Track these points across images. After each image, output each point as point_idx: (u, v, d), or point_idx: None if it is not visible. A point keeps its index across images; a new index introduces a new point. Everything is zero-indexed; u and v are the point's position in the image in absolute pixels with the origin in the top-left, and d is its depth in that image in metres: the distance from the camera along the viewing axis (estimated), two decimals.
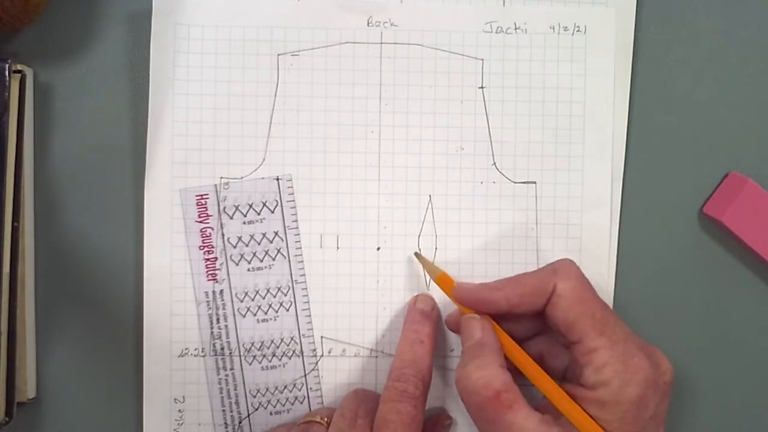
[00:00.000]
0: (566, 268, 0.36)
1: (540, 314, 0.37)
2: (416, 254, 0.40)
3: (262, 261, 0.40)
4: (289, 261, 0.41)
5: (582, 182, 0.41)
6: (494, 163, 0.41)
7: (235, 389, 0.41)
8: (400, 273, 0.41)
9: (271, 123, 0.40)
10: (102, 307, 0.40)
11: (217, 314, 0.40)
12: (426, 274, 0.40)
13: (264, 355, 0.41)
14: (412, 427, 0.35)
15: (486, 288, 0.37)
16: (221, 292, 0.40)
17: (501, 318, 0.37)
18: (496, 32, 0.41)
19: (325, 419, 0.38)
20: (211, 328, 0.40)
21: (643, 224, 0.41)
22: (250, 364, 0.41)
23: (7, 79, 0.37)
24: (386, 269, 0.41)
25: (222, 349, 0.40)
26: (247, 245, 0.40)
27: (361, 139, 0.41)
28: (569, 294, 0.35)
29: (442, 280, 0.39)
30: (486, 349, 0.35)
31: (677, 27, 0.41)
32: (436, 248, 0.41)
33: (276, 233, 0.40)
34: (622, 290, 0.41)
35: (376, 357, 0.41)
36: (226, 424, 0.41)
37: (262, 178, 0.40)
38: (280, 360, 0.41)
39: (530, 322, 0.38)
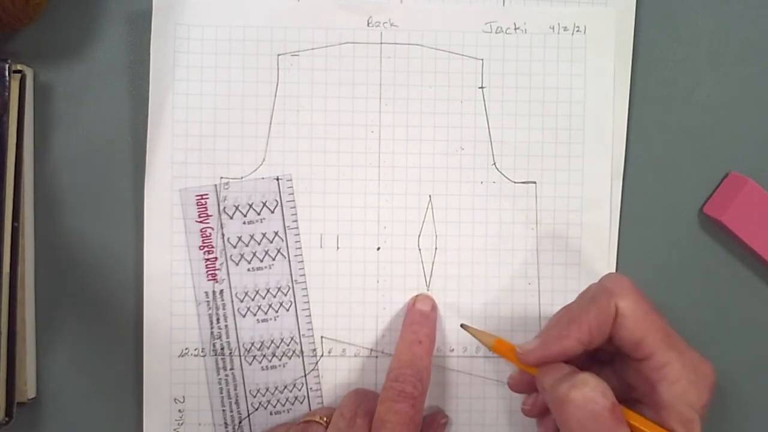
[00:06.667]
0: (619, 284, 0.35)
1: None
2: (463, 325, 0.38)
3: (262, 261, 0.40)
4: (289, 261, 0.40)
5: (582, 182, 0.41)
6: (494, 163, 0.41)
7: (235, 389, 0.41)
8: (400, 273, 0.41)
9: (271, 123, 0.40)
10: (102, 307, 0.41)
11: (217, 314, 0.40)
12: (426, 272, 0.40)
13: (264, 355, 0.41)
14: (410, 427, 0.35)
15: (553, 340, 0.35)
16: (221, 292, 0.40)
17: None
18: (496, 32, 0.41)
19: (325, 419, 0.38)
20: (211, 328, 0.40)
21: (643, 224, 0.41)
22: (250, 364, 0.41)
23: (7, 79, 0.37)
24: (386, 269, 0.41)
25: (222, 349, 0.40)
26: (247, 245, 0.40)
27: (361, 139, 0.41)
28: (632, 312, 0.34)
29: (500, 346, 0.37)
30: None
31: (677, 27, 0.41)
32: (436, 248, 0.41)
33: (276, 233, 0.40)
34: None
35: (376, 357, 0.41)
36: (226, 424, 0.41)
37: (262, 178, 0.40)
38: (280, 360, 0.41)
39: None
